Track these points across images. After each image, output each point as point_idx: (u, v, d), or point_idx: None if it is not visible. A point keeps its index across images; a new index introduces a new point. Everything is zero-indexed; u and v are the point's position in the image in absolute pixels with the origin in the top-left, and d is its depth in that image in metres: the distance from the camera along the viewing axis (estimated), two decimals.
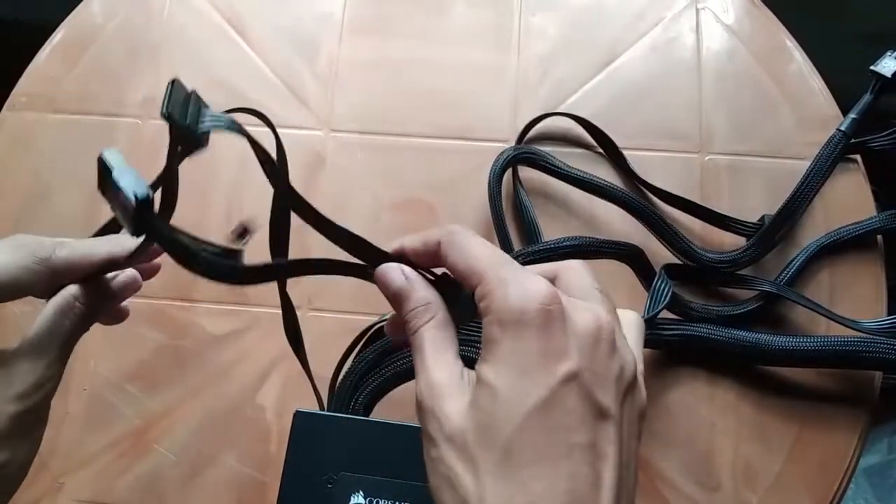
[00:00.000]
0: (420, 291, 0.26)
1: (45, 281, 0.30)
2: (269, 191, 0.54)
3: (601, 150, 0.51)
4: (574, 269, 0.27)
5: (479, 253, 0.25)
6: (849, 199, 0.50)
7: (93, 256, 0.31)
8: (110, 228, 0.34)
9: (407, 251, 0.27)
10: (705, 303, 0.47)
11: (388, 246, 0.27)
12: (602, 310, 0.24)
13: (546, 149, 0.50)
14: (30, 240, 0.31)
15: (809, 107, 0.52)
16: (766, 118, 0.52)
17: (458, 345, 0.26)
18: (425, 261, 0.27)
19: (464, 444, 0.23)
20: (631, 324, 0.29)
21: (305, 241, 0.49)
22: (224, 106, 0.56)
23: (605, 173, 0.50)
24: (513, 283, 0.23)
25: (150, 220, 0.26)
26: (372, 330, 0.39)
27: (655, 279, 0.43)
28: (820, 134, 0.50)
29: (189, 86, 0.27)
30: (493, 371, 0.23)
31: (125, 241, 0.32)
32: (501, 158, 0.48)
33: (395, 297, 0.27)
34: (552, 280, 0.26)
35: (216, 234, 0.53)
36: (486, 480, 0.22)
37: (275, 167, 0.28)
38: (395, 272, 0.27)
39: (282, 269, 0.30)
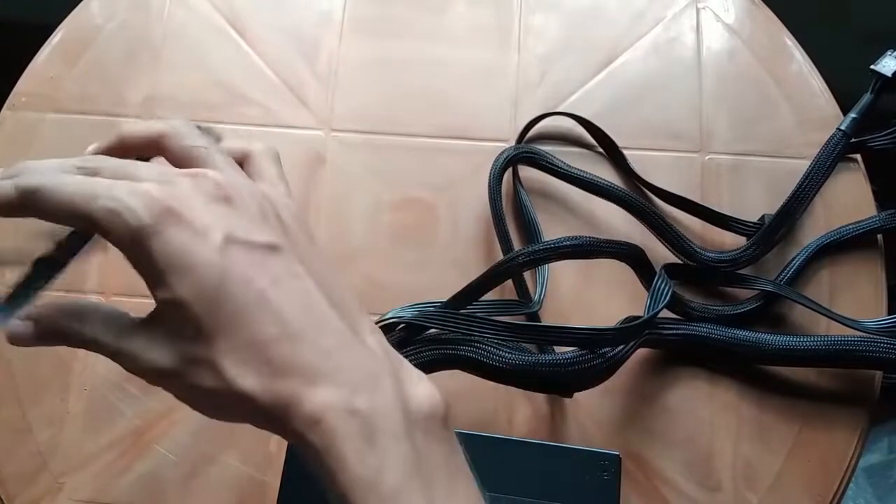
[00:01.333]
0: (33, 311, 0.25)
1: None
2: None
3: (601, 150, 0.51)
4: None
5: (62, 191, 0.23)
6: (849, 199, 0.50)
7: None
8: None
9: None
10: (705, 302, 0.47)
11: None
12: (208, 172, 0.25)
13: (546, 148, 0.50)
14: None
15: (809, 107, 0.52)
16: (766, 118, 0.52)
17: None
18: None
19: (189, 360, 0.23)
20: (262, 156, 0.29)
21: None
22: (224, 106, 0.56)
23: (606, 173, 0.50)
24: (116, 207, 0.23)
25: None
26: None
27: (655, 279, 0.43)
28: (820, 134, 0.50)
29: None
30: (163, 290, 0.23)
31: None
32: (501, 158, 0.48)
33: None
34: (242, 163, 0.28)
35: None
36: (226, 371, 0.23)
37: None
38: None
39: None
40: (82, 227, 0.25)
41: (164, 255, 0.23)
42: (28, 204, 0.24)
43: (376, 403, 0.23)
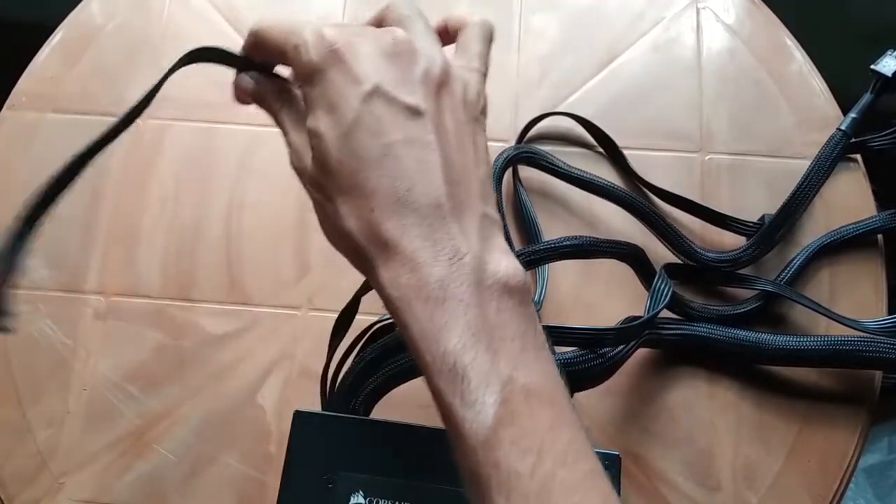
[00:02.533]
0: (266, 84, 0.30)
1: None
2: (269, 190, 0.54)
3: (601, 150, 0.51)
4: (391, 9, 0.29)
5: (271, 28, 0.28)
6: (849, 199, 0.50)
7: None
8: None
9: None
10: (705, 302, 0.47)
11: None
12: (396, 30, 0.27)
13: (546, 148, 0.50)
14: None
15: (809, 107, 0.52)
16: (766, 118, 0.52)
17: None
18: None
19: (318, 184, 0.27)
20: (472, 30, 0.31)
21: (305, 241, 0.50)
22: (224, 106, 0.56)
23: (606, 173, 0.50)
24: (298, 43, 0.26)
25: None
26: (372, 330, 0.39)
27: (655, 279, 0.43)
28: (820, 134, 0.50)
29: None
30: (312, 119, 0.26)
31: None
32: (501, 158, 0.48)
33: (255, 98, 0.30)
34: (380, 24, 0.29)
35: (216, 233, 0.53)
36: (338, 206, 0.26)
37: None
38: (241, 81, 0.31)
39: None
40: (283, 61, 0.28)
41: (319, 91, 0.26)
42: (256, 41, 0.29)
43: (453, 273, 0.24)
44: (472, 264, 0.24)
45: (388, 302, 0.25)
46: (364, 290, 0.38)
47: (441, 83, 0.27)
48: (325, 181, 0.26)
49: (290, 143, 0.28)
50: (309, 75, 0.26)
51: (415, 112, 0.26)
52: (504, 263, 0.25)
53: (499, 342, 0.24)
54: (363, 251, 0.25)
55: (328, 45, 0.26)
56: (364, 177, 0.25)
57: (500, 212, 0.47)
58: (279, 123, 0.29)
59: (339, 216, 0.26)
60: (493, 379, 0.23)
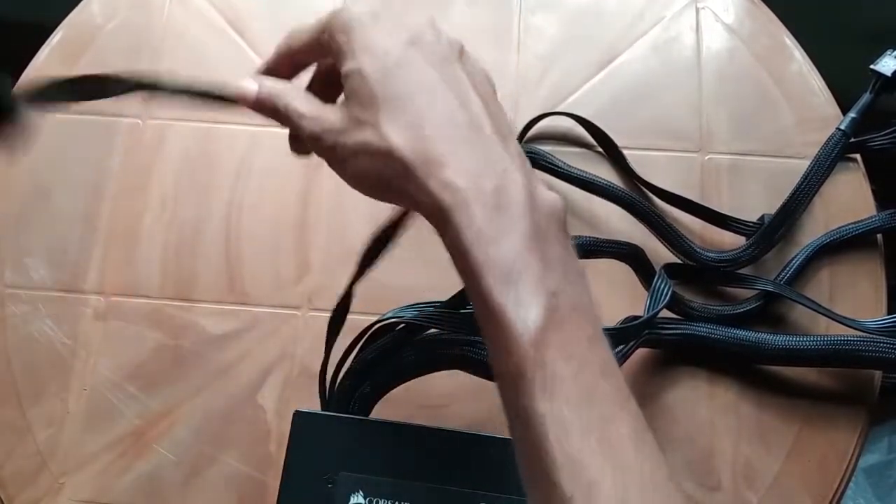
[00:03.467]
0: (267, 82, 0.31)
1: None
2: (269, 190, 0.54)
3: (601, 150, 0.51)
4: None
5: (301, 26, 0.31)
6: (849, 199, 0.50)
7: None
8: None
9: (269, 66, 0.33)
10: (705, 302, 0.47)
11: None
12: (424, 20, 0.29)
13: (546, 148, 0.50)
14: None
15: (809, 106, 0.52)
16: (766, 118, 0.52)
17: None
18: (286, 70, 0.33)
19: (355, 120, 0.28)
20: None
21: (305, 239, 0.50)
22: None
23: (606, 173, 0.50)
24: (334, 12, 0.29)
25: None
26: (372, 330, 0.39)
27: (655, 279, 0.43)
28: (820, 133, 0.50)
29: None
30: (352, 62, 0.28)
31: None
32: None
33: (261, 104, 0.31)
34: None
35: (216, 233, 0.53)
36: (384, 128, 0.27)
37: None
38: (246, 84, 0.32)
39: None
40: (326, 38, 0.29)
41: (359, 39, 0.28)
42: (290, 41, 0.32)
43: (507, 186, 0.26)
44: (523, 182, 0.26)
45: (438, 207, 0.25)
46: (357, 278, 0.38)
47: (461, 54, 0.29)
48: (366, 114, 0.27)
49: (301, 117, 0.29)
50: (347, 26, 0.28)
51: (451, 61, 0.28)
52: (547, 192, 0.27)
53: (551, 257, 0.25)
54: (410, 162, 0.26)
55: (365, 7, 0.28)
56: (412, 103, 0.27)
57: None
58: (283, 112, 0.30)
59: (383, 135, 0.26)
60: (545, 286, 0.24)
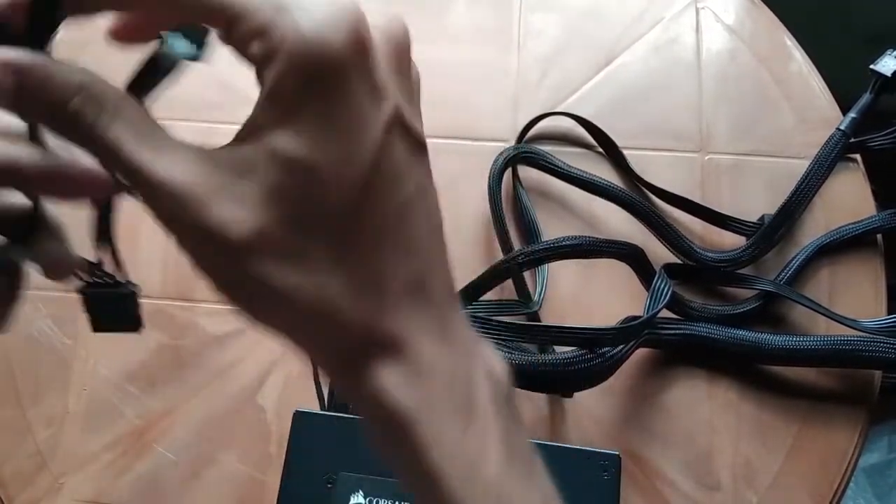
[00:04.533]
0: (62, 70, 0.18)
1: None
2: None
3: (601, 150, 0.51)
4: None
5: None
6: (849, 199, 0.50)
7: None
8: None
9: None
10: (705, 302, 0.47)
11: None
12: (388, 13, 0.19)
13: (546, 148, 0.50)
14: None
15: (809, 107, 0.52)
16: (766, 118, 0.52)
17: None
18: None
19: (276, 242, 0.17)
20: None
21: None
22: (224, 106, 0.56)
23: (605, 173, 0.50)
24: (301, 5, 0.16)
25: None
26: None
27: (655, 279, 0.43)
28: (820, 133, 0.50)
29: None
30: (298, 140, 0.16)
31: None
32: (501, 158, 0.48)
33: (21, 96, 0.17)
34: None
35: None
36: (328, 278, 0.17)
37: None
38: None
39: None
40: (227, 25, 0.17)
41: (336, 98, 0.17)
42: None
43: (475, 378, 0.19)
44: (484, 366, 0.20)
45: (392, 413, 0.18)
46: None
47: (418, 93, 0.20)
48: (305, 241, 0.17)
49: (148, 175, 0.17)
50: (304, 65, 0.16)
51: (422, 146, 0.19)
52: (495, 359, 0.21)
53: (526, 461, 0.20)
54: (352, 345, 0.18)
55: (352, 21, 0.17)
56: (374, 244, 0.18)
57: (500, 212, 0.47)
58: (111, 150, 0.17)
59: (321, 285, 0.17)
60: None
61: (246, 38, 0.17)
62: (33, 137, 0.20)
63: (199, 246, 0.18)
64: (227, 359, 0.47)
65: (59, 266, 0.22)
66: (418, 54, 0.22)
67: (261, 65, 0.17)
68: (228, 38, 0.17)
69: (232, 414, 0.46)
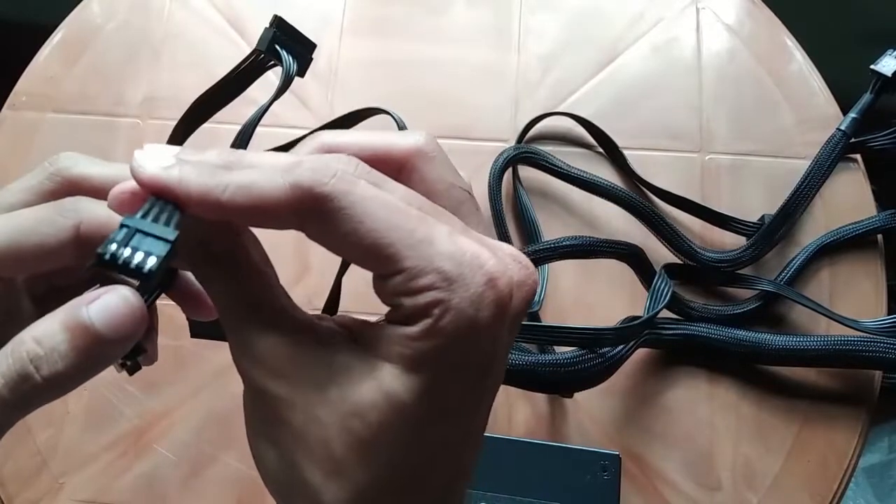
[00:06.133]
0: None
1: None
2: None
3: (601, 150, 0.51)
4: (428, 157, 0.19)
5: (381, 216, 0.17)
6: (849, 199, 0.50)
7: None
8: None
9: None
10: (705, 302, 0.47)
11: None
12: (521, 257, 0.18)
13: (546, 148, 0.50)
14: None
15: (809, 107, 0.52)
16: (766, 118, 0.52)
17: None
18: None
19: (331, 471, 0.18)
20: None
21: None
22: (227, 106, 0.55)
23: (606, 173, 0.50)
24: (466, 283, 0.16)
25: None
26: None
27: (655, 279, 0.43)
28: (820, 134, 0.50)
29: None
30: (411, 389, 0.17)
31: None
32: (501, 158, 0.48)
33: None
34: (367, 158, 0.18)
35: None
36: None
37: None
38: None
39: None
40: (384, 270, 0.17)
41: (444, 349, 0.17)
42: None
43: None
44: None
45: None
46: (343, 270, 0.38)
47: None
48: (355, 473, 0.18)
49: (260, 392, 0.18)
50: (455, 330, 0.16)
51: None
52: None
53: None
54: None
55: (496, 289, 0.16)
56: (426, 470, 0.18)
57: (500, 212, 0.47)
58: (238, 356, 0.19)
59: None
60: None
61: (401, 291, 0.17)
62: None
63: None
64: (227, 359, 0.47)
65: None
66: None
67: (405, 319, 0.17)
68: (380, 278, 0.18)
69: (232, 414, 0.46)
